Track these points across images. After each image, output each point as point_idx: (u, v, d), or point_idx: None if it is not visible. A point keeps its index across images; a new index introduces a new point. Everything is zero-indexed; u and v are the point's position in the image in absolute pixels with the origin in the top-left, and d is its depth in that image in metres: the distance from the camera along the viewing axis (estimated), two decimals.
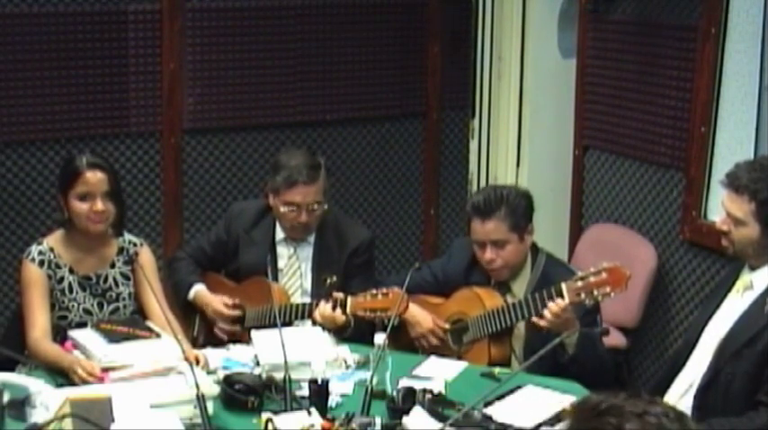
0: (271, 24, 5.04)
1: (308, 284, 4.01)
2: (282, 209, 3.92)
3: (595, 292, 3.37)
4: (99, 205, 3.53)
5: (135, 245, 3.72)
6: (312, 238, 4.02)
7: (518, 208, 3.68)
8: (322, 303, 3.73)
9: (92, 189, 3.53)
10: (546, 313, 3.43)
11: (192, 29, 4.90)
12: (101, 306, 3.64)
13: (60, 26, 4.64)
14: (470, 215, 3.74)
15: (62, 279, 3.59)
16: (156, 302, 3.51)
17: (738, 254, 3.23)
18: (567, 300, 3.40)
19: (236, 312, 3.96)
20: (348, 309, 3.66)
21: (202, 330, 4.11)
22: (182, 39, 4.86)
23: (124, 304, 3.67)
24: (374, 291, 3.64)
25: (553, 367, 3.40)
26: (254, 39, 5.02)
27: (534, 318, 3.49)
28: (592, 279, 3.38)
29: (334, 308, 3.68)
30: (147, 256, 3.73)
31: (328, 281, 3.90)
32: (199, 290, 4.02)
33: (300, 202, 3.89)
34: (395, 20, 5.30)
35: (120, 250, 3.69)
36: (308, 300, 3.94)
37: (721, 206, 3.26)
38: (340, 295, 3.71)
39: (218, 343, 3.82)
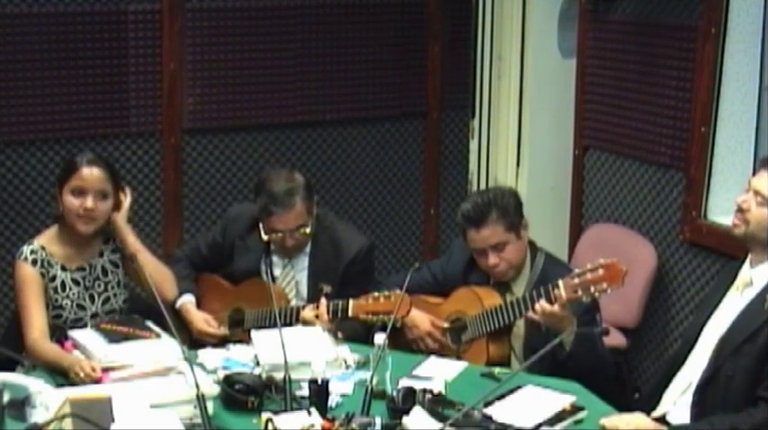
0: (271, 24, 5.04)
1: (304, 293, 3.99)
2: (267, 235, 3.92)
3: (592, 289, 3.37)
4: (89, 202, 3.54)
5: None
6: (308, 248, 4.00)
7: (508, 206, 3.68)
8: (307, 308, 3.73)
9: (86, 185, 3.54)
10: (537, 308, 3.44)
11: (192, 29, 4.90)
12: (92, 299, 3.64)
13: (60, 26, 4.64)
14: (463, 226, 3.73)
15: (54, 277, 3.60)
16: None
17: (749, 235, 3.18)
18: (564, 296, 3.40)
19: (221, 331, 3.90)
20: (350, 313, 3.66)
21: None
22: (182, 39, 4.86)
23: (114, 293, 3.68)
24: (376, 294, 3.63)
25: (552, 365, 3.40)
26: (253, 39, 5.02)
27: (529, 313, 3.49)
28: (588, 275, 3.38)
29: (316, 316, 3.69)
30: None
31: (324, 290, 3.89)
32: (185, 302, 3.97)
33: (282, 229, 3.88)
34: (395, 20, 5.30)
35: (107, 240, 3.71)
36: None
37: (727, 200, 3.23)
38: (322, 303, 3.71)
39: (217, 343, 3.81)
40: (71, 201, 3.55)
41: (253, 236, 4.03)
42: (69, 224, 3.58)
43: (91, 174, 3.55)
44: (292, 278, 4.01)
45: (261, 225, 3.93)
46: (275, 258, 4.02)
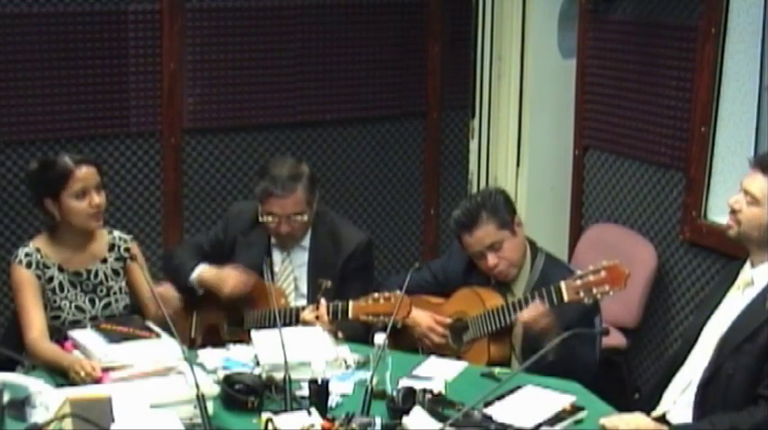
0: (271, 24, 5.04)
1: (304, 288, 4.00)
2: (265, 218, 3.92)
3: (594, 291, 3.38)
4: (96, 198, 3.57)
5: (126, 241, 3.74)
6: (307, 243, 4.01)
7: (497, 205, 3.70)
8: (307, 310, 3.73)
9: (87, 184, 3.56)
10: (520, 317, 3.50)
11: (192, 29, 4.90)
12: (92, 302, 3.64)
13: (60, 26, 4.64)
14: (457, 232, 3.75)
15: (51, 278, 3.60)
16: (151, 296, 3.52)
17: (742, 235, 3.19)
18: (542, 307, 3.45)
19: (252, 280, 3.88)
20: (350, 314, 3.66)
21: (200, 331, 4.11)
22: (182, 39, 4.86)
23: (116, 298, 3.68)
24: (376, 295, 3.63)
25: (547, 367, 3.39)
26: (254, 39, 5.02)
27: (517, 317, 3.54)
28: (591, 278, 3.39)
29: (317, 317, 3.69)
30: (138, 251, 3.77)
31: (323, 286, 3.90)
32: (203, 269, 3.95)
33: (279, 213, 3.89)
34: (395, 20, 5.30)
35: (111, 246, 3.71)
36: (304, 303, 3.94)
37: (724, 202, 3.24)
38: (322, 305, 3.71)
39: (217, 343, 3.81)
40: (77, 205, 3.55)
41: (255, 232, 4.03)
42: (79, 226, 3.59)
43: (86, 172, 3.57)
44: (291, 272, 4.01)
45: (259, 208, 3.93)
46: (275, 253, 4.01)
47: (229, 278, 3.92)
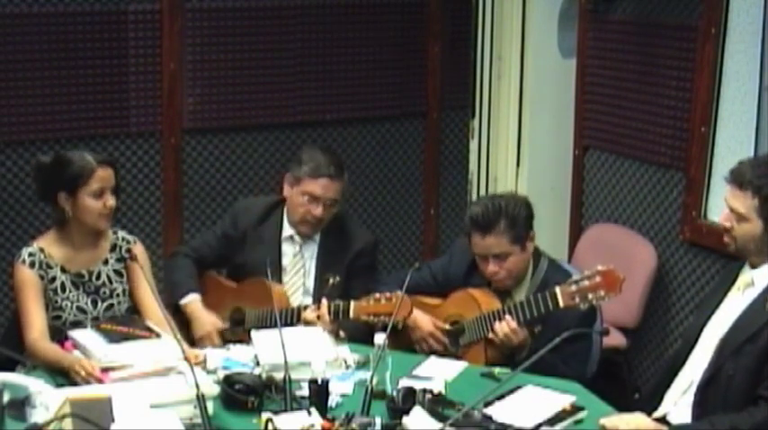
0: (271, 24, 5.04)
1: (310, 283, 4.01)
2: (299, 199, 3.92)
3: (590, 296, 3.37)
4: (111, 201, 3.59)
5: (128, 242, 3.74)
6: (317, 237, 4.02)
7: (518, 218, 3.63)
8: (309, 309, 3.73)
9: (105, 185, 3.58)
10: (496, 329, 3.52)
11: (192, 29, 4.90)
12: (95, 303, 3.64)
13: (60, 26, 4.64)
14: (469, 228, 3.69)
15: (54, 278, 3.60)
16: (153, 300, 3.51)
17: (740, 250, 3.22)
18: (514, 324, 3.48)
19: (218, 343, 3.83)
20: (351, 314, 3.66)
21: None
22: (182, 39, 4.86)
23: (118, 301, 3.68)
24: (377, 295, 3.63)
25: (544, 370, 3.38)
26: (254, 39, 5.02)
27: (490, 335, 3.55)
28: (586, 283, 3.38)
29: (318, 317, 3.69)
30: (142, 253, 3.75)
31: (330, 281, 3.90)
32: (193, 300, 3.94)
33: (320, 195, 3.90)
34: (395, 20, 5.30)
35: (113, 247, 3.71)
36: (309, 299, 3.94)
37: (724, 202, 3.25)
38: (324, 304, 3.71)
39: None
40: (94, 204, 3.56)
41: (265, 228, 4.03)
42: (90, 224, 3.59)
43: (106, 173, 3.58)
44: (302, 267, 4.02)
45: (295, 189, 3.93)
46: (286, 247, 4.01)
47: (205, 324, 3.88)
